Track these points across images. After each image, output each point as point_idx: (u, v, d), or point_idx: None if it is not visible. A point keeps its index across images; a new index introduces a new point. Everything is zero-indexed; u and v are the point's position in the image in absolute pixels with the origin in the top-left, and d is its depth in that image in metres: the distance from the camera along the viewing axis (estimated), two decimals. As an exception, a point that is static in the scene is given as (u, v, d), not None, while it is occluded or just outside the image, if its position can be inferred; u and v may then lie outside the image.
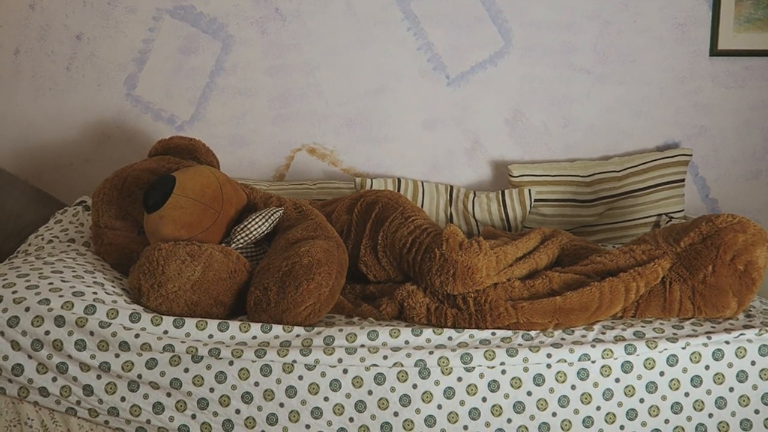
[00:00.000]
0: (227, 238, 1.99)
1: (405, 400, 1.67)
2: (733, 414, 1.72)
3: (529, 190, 2.59)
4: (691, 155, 2.71)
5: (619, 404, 1.70)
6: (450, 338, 1.75)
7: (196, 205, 1.92)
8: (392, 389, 1.67)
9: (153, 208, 1.91)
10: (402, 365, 1.68)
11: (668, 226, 2.02)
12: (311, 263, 1.76)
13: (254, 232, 1.96)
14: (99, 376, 1.67)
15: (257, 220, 1.97)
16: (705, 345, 1.73)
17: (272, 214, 1.99)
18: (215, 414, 1.67)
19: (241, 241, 1.96)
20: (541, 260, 1.98)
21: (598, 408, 1.70)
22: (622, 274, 1.84)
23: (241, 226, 1.96)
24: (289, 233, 1.94)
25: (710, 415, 1.72)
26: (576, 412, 1.69)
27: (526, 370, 1.69)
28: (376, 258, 2.05)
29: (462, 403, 1.68)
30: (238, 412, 1.67)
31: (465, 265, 1.82)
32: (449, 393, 1.68)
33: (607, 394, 1.70)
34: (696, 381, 1.72)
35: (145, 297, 1.78)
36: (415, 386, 1.67)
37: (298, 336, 1.73)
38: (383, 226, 2.06)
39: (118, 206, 2.08)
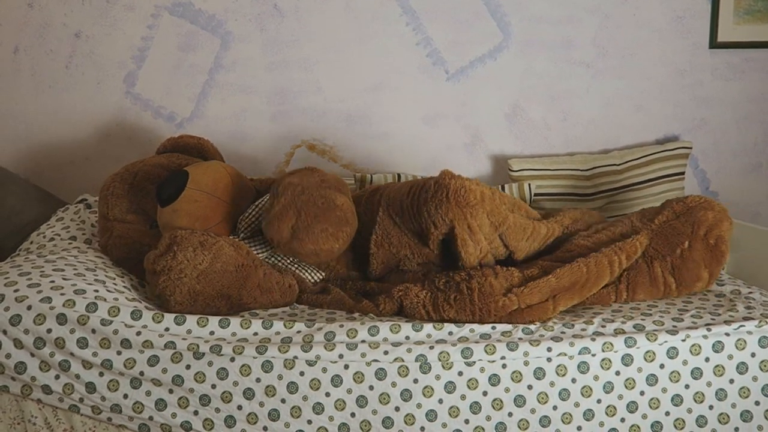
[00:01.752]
0: (235, 231, 2.01)
1: (406, 395, 1.68)
2: (734, 406, 1.73)
3: (529, 185, 2.59)
4: (691, 148, 2.71)
5: (620, 397, 1.71)
6: (450, 333, 1.75)
7: (210, 199, 1.94)
8: (393, 384, 1.68)
9: (167, 202, 1.92)
10: (403, 360, 1.68)
11: (641, 210, 2.17)
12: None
13: (256, 221, 1.98)
14: (101, 374, 1.68)
15: (259, 208, 1.99)
16: (705, 337, 1.73)
17: None
18: (217, 410, 1.67)
19: (248, 230, 1.98)
20: (540, 227, 2.05)
21: (599, 401, 1.70)
22: (604, 249, 1.95)
23: (245, 215, 2.00)
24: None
25: (711, 407, 1.72)
26: (576, 405, 1.70)
27: (526, 363, 1.70)
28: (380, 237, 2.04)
29: (463, 397, 1.68)
30: (240, 408, 1.67)
31: (458, 185, 1.89)
32: (450, 387, 1.68)
33: (608, 387, 1.71)
34: (696, 373, 1.73)
35: (156, 277, 1.79)
36: (416, 381, 1.68)
37: (299, 332, 1.73)
38: (387, 191, 2.09)
39: (128, 200, 2.09)
